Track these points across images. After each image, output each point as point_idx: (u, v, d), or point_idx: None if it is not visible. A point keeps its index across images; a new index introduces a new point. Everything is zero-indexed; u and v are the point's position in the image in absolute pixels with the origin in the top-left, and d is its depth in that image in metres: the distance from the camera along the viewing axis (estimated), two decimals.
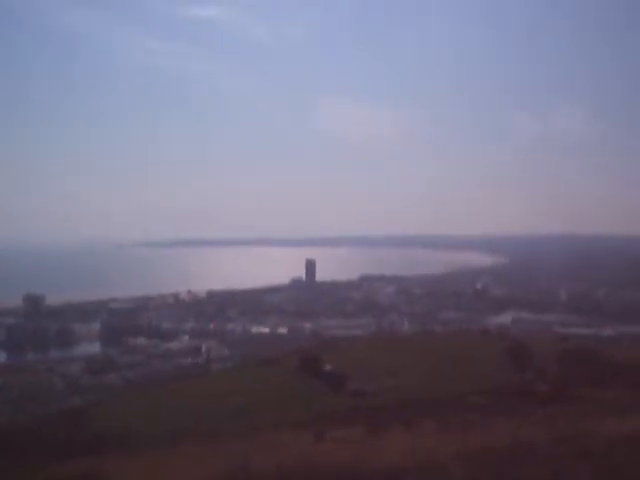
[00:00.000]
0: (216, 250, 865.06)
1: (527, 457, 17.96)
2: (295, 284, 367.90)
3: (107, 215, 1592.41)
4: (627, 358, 76.25)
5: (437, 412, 37.53)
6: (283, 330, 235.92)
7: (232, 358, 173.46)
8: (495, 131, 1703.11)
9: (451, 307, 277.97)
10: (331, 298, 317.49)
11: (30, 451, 39.92)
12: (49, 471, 26.06)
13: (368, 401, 57.71)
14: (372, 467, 18.53)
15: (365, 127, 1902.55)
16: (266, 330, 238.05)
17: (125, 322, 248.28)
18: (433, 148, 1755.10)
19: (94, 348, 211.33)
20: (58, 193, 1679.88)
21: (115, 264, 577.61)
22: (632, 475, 14.96)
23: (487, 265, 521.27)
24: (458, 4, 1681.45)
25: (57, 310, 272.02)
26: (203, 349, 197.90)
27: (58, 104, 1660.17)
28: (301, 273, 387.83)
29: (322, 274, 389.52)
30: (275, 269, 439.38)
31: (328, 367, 74.63)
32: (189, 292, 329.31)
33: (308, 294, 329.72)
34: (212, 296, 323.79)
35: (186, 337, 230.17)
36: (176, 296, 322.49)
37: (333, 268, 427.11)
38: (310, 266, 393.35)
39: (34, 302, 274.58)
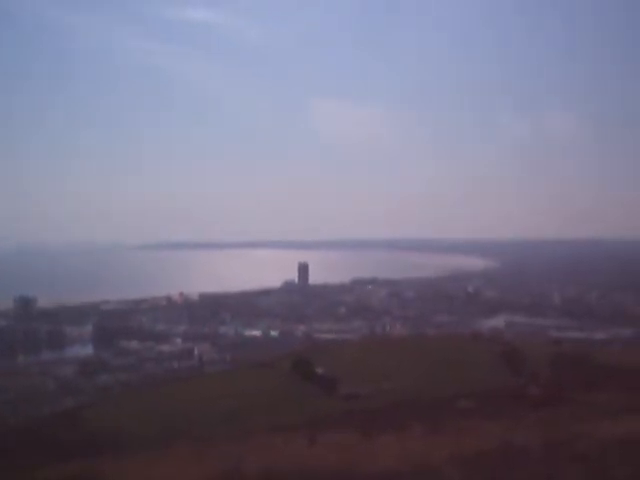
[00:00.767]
0: (209, 253, 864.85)
1: (520, 460, 17.97)
2: (288, 287, 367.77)
3: (101, 218, 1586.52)
4: (620, 361, 76.42)
5: (430, 415, 37.54)
6: (275, 333, 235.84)
7: (224, 361, 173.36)
8: (490, 133, 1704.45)
9: (443, 310, 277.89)
10: (323, 301, 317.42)
11: (23, 453, 39.91)
12: (42, 473, 25.99)
13: (361, 404, 57.75)
14: (365, 471, 18.53)
15: (360, 129, 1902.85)
16: (258, 333, 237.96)
17: (118, 324, 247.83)
18: (427, 150, 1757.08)
19: (87, 350, 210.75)
20: (52, 194, 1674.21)
21: (108, 266, 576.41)
22: (626, 478, 14.98)
23: (479, 268, 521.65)
24: (456, 5, 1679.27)
25: (49, 312, 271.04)
26: (196, 352, 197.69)
27: (53, 104, 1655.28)
28: (294, 276, 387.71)
29: (315, 277, 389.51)
30: (268, 272, 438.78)
31: (320, 370, 74.62)
32: (181, 294, 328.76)
33: (301, 297, 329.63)
34: (205, 299, 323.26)
35: (179, 340, 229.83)
36: (169, 298, 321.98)
37: (326, 271, 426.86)
38: (303, 269, 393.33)
39: (25, 304, 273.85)
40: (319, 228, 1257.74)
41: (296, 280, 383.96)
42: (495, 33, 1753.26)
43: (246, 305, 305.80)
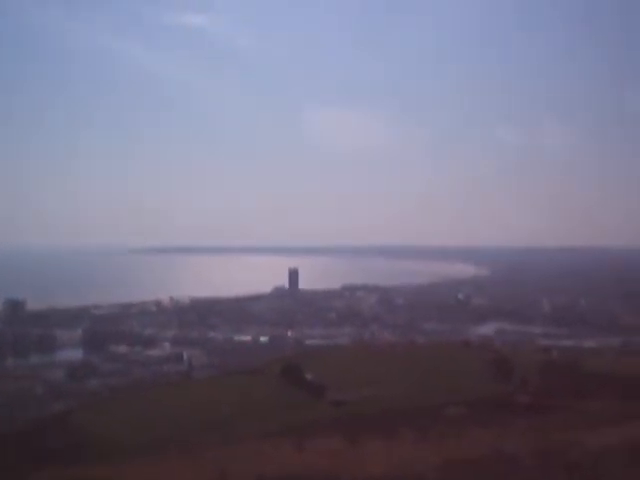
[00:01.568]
0: (200, 257, 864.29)
1: (509, 468, 17.89)
2: (278, 293, 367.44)
3: (92, 221, 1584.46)
4: (610, 369, 76.47)
5: (419, 422, 37.47)
6: (265, 339, 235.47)
7: (214, 366, 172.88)
8: (486, 140, 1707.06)
9: (433, 318, 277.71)
10: (313, 307, 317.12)
11: (10, 457, 39.65)
12: (31, 477, 25.84)
13: (349, 411, 57.63)
14: (353, 477, 18.43)
15: (355, 136, 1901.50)
16: (248, 338, 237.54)
17: (107, 328, 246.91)
18: (420, 158, 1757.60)
19: (76, 354, 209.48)
20: (42, 197, 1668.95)
21: (99, 270, 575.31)
22: None
23: (470, 276, 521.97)
24: (450, 14, 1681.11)
25: (39, 315, 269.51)
26: (185, 357, 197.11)
27: (47, 106, 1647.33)
28: (284, 282, 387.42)
29: (305, 283, 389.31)
30: (258, 277, 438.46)
31: (310, 376, 74.48)
32: (171, 299, 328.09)
33: (291, 303, 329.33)
34: (195, 303, 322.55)
35: (168, 344, 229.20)
36: (159, 303, 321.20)
37: (316, 277, 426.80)
38: (293, 275, 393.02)
39: (14, 307, 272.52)
40: (310, 234, 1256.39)
41: (286, 286, 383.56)
42: (495, 37, 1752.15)
43: (236, 310, 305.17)
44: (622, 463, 17.35)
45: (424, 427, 33.00)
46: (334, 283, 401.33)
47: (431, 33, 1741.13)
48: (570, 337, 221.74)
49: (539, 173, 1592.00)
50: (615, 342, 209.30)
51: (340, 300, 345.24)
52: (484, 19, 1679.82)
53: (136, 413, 61.83)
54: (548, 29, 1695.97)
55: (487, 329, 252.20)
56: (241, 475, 19.90)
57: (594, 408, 42.34)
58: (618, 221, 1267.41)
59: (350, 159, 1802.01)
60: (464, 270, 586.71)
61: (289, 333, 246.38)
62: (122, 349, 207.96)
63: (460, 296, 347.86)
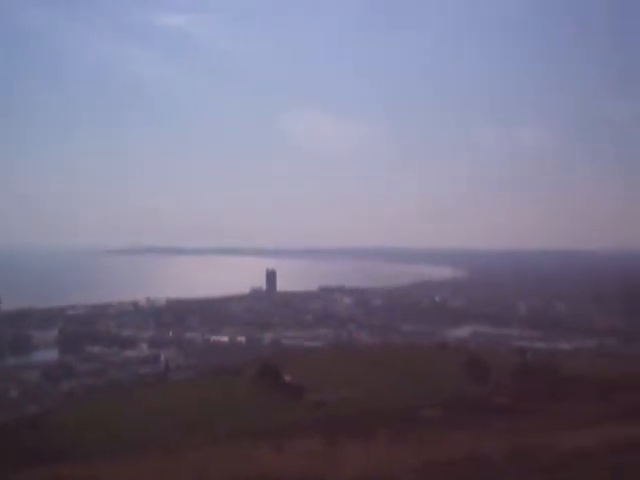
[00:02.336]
0: (177, 258, 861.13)
1: (483, 470, 18.14)
2: (255, 294, 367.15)
3: (68, 221, 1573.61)
4: (584, 372, 77.20)
5: (396, 424, 37.74)
6: (242, 339, 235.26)
7: (191, 367, 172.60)
8: (465, 145, 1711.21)
9: (410, 319, 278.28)
10: (290, 309, 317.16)
11: None
12: (8, 479, 25.83)
13: (327, 412, 57.86)
14: (331, 479, 18.63)
15: (336, 140, 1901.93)
16: (225, 339, 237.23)
17: (83, 329, 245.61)
18: (397, 161, 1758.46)
19: (52, 355, 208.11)
20: (18, 196, 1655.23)
21: (74, 270, 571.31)
22: None
23: (447, 278, 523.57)
24: (429, 19, 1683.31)
25: (14, 315, 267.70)
26: (162, 358, 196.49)
27: (25, 106, 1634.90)
28: (262, 283, 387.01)
29: (282, 285, 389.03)
30: (236, 278, 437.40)
31: (288, 378, 74.69)
32: (148, 300, 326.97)
33: (268, 304, 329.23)
34: (172, 304, 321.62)
35: (145, 345, 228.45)
36: (135, 304, 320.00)
37: (293, 279, 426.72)
38: (270, 276, 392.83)
39: None
40: (289, 236, 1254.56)
41: (264, 287, 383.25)
42: (477, 37, 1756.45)
43: (213, 311, 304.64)
44: (596, 465, 17.64)
45: (401, 429, 33.24)
46: (311, 285, 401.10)
47: (414, 35, 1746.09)
48: (546, 340, 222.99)
49: (518, 176, 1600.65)
50: (590, 344, 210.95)
51: (317, 302, 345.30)
52: (466, 20, 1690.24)
53: (113, 414, 61.83)
54: (531, 29, 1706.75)
55: (463, 331, 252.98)
56: (219, 476, 20.02)
57: (569, 410, 42.75)
58: (594, 225, 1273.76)
59: (332, 162, 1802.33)
60: (442, 273, 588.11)
61: (266, 334, 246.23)
62: (98, 350, 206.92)
63: (437, 298, 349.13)
